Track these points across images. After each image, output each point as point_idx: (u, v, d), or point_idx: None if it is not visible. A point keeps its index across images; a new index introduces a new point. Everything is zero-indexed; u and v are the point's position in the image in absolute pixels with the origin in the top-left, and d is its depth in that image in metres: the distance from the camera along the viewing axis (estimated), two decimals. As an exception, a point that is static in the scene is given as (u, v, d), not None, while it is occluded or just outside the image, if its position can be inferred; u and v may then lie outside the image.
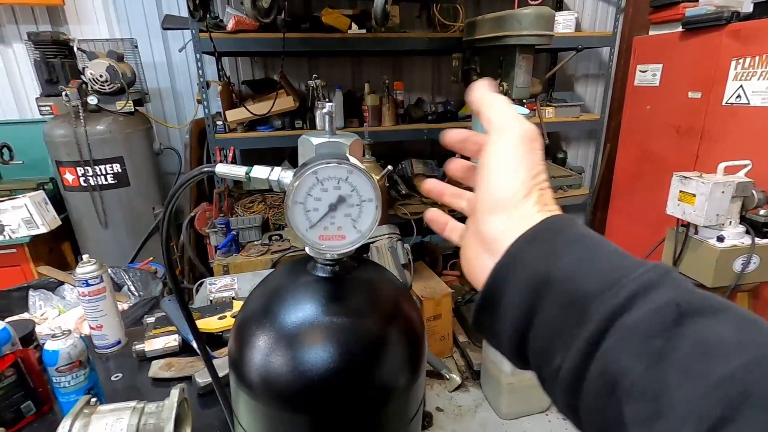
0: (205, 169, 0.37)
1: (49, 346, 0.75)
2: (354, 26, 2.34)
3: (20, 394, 0.79)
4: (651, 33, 2.59)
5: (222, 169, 0.36)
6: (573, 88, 3.33)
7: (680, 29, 2.25)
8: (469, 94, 0.33)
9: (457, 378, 2.20)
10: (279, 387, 0.31)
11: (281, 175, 0.34)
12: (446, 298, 2.27)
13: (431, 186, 0.38)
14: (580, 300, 0.23)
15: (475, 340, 2.38)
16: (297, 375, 0.31)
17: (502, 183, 0.29)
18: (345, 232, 0.29)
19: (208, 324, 1.03)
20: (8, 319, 1.33)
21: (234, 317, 1.04)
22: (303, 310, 0.33)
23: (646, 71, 2.53)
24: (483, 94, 0.32)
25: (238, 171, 0.36)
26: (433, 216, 0.39)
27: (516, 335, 0.26)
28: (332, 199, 0.28)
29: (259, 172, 0.35)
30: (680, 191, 1.68)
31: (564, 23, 2.68)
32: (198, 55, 2.14)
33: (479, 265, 0.29)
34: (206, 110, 2.26)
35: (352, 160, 0.30)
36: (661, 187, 2.18)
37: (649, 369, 0.19)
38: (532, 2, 2.53)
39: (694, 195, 1.61)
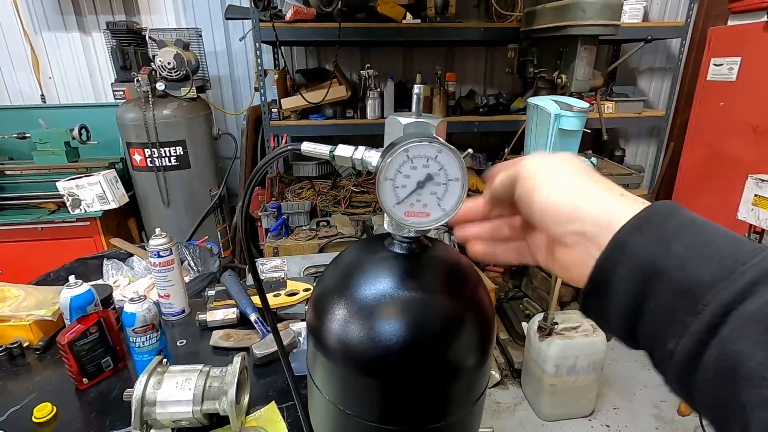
0: (290, 146, 0.40)
1: (128, 308, 0.82)
2: (408, 16, 2.34)
3: (101, 350, 0.87)
4: (730, 23, 2.39)
5: (307, 147, 0.38)
6: (636, 82, 3.14)
7: (765, 19, 2.06)
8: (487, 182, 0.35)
9: (496, 375, 2.18)
10: (355, 353, 0.33)
11: (365, 154, 0.36)
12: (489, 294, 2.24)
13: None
14: (693, 288, 0.23)
15: (516, 338, 2.33)
16: (373, 344, 0.33)
17: (557, 195, 0.29)
18: (430, 209, 0.30)
19: (264, 300, 1.08)
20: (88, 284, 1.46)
21: (288, 295, 1.09)
22: (381, 284, 0.34)
23: (721, 65, 2.34)
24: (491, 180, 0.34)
25: (323, 150, 0.38)
26: (477, 251, 0.38)
27: (625, 321, 0.26)
28: (420, 177, 0.29)
29: (343, 150, 0.37)
30: (756, 195, 1.56)
31: (630, 12, 2.53)
32: (257, 44, 2.22)
33: (579, 266, 0.29)
34: (263, 98, 2.35)
35: (441, 139, 0.30)
36: (732, 191, 2.02)
37: None
38: (597, -10, 2.40)
39: (772, 200, 1.49)
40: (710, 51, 2.44)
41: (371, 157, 0.35)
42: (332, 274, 0.38)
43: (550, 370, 1.86)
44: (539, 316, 1.95)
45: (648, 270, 0.25)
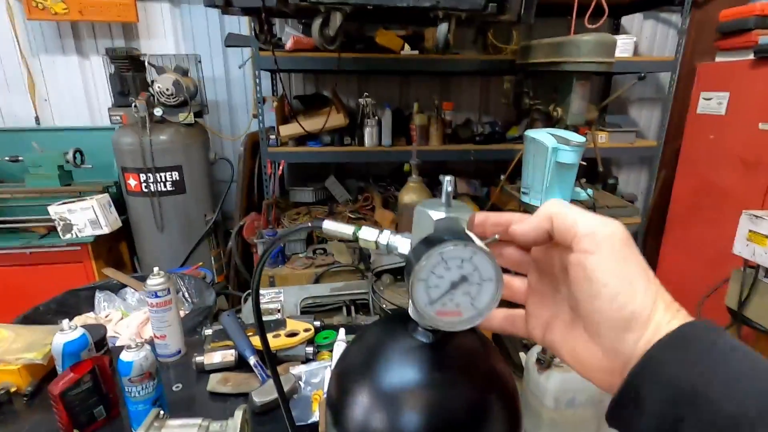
0: (311, 224, 0.39)
1: (124, 357, 0.80)
2: (406, 47, 2.38)
3: (94, 399, 0.84)
4: (717, 59, 2.47)
5: (329, 225, 0.38)
6: (627, 111, 3.21)
7: (752, 57, 2.14)
8: (539, 211, 0.32)
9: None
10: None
11: (390, 238, 0.35)
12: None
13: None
14: (736, 420, 0.22)
15: (514, 368, 2.31)
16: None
17: (626, 298, 0.27)
18: (462, 309, 0.30)
19: (263, 341, 1.06)
20: (76, 319, 1.42)
21: (288, 336, 1.06)
22: (404, 374, 0.33)
23: (710, 99, 2.41)
24: (554, 206, 0.31)
25: (346, 230, 0.37)
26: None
27: None
28: (454, 278, 0.29)
29: (367, 234, 0.36)
30: (750, 231, 1.58)
31: (622, 47, 2.60)
32: (257, 72, 2.24)
33: (597, 359, 0.29)
34: (261, 124, 2.35)
35: (473, 237, 0.30)
36: (723, 222, 2.05)
37: None
38: (590, 26, 2.47)
39: (767, 236, 1.51)
40: (699, 85, 2.51)
41: (397, 242, 0.35)
42: (355, 355, 0.37)
43: (550, 403, 1.83)
44: (537, 348, 1.93)
45: (685, 394, 0.24)
